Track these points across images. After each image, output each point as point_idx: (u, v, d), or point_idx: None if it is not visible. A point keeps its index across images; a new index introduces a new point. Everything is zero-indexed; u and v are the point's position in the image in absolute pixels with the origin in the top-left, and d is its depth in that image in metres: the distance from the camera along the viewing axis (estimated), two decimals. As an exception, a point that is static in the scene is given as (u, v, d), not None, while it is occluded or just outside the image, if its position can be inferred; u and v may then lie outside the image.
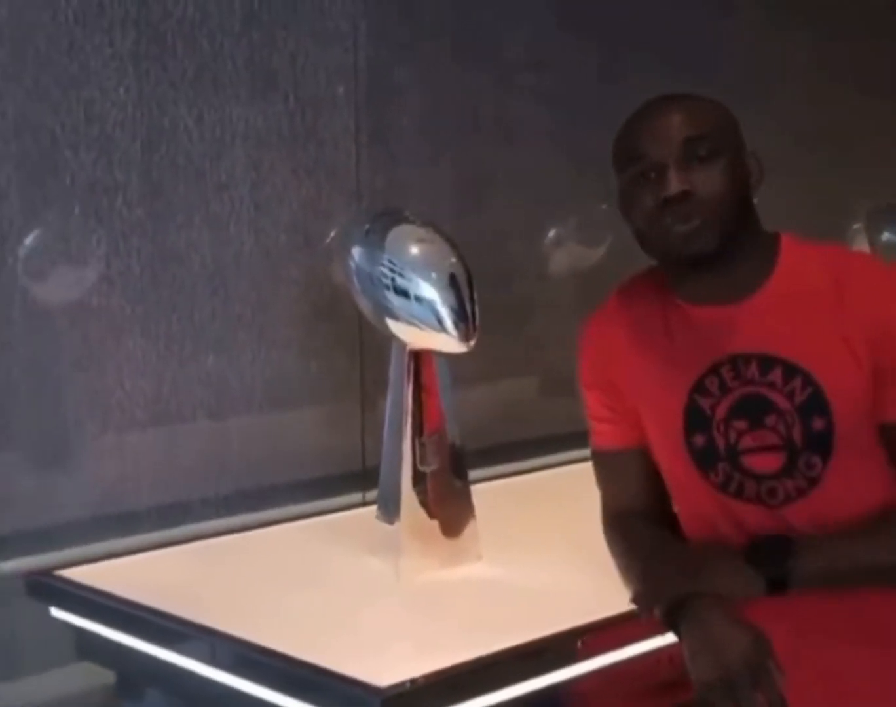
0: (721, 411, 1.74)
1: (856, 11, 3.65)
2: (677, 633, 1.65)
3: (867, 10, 3.67)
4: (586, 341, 1.89)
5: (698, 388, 1.75)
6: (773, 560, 1.64)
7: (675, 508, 1.88)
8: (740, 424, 1.73)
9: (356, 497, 2.70)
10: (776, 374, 1.71)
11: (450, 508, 2.21)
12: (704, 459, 1.75)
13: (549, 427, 3.14)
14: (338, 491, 2.71)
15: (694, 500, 1.79)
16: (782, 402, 1.71)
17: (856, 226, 3.59)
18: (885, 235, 3.37)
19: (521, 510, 2.57)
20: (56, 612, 2.20)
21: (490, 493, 2.54)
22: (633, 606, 1.76)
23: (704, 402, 1.75)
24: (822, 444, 1.70)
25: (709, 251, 1.69)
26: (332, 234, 2.73)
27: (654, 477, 1.86)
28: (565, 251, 3.35)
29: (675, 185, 1.65)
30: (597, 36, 3.14)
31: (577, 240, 3.38)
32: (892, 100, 3.71)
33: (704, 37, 3.37)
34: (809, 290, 1.72)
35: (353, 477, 2.74)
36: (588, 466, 2.96)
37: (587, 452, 3.08)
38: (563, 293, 3.26)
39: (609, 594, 1.91)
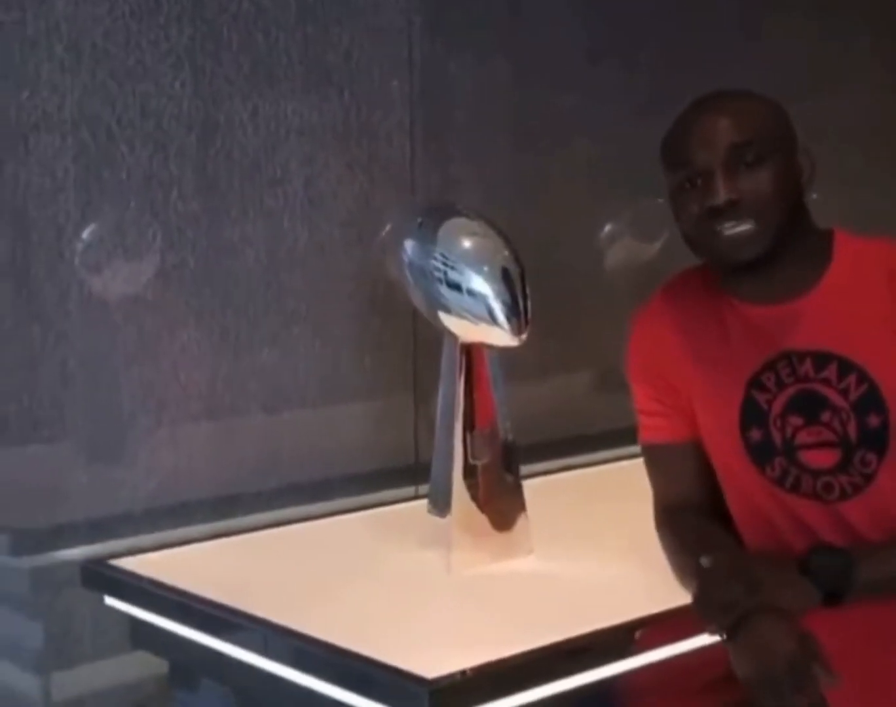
0: (777, 406, 1.72)
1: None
2: (728, 633, 1.63)
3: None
4: (636, 336, 1.88)
5: (755, 383, 1.74)
6: (829, 572, 1.62)
7: (729, 505, 1.86)
8: (796, 420, 1.72)
9: (409, 491, 2.70)
10: (831, 371, 1.69)
11: (501, 502, 2.20)
12: (761, 454, 1.74)
13: (603, 423, 3.13)
14: (391, 485, 2.72)
15: (749, 494, 1.78)
16: (837, 399, 1.69)
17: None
18: None
19: (574, 505, 2.56)
20: (110, 601, 2.23)
21: (542, 489, 2.53)
22: (689, 606, 1.75)
23: (761, 397, 1.74)
24: (877, 440, 1.68)
25: (759, 255, 1.69)
26: (386, 228, 2.74)
27: (705, 472, 1.85)
28: (620, 246, 3.34)
29: (721, 194, 1.65)
30: (650, 28, 3.12)
31: (633, 235, 3.36)
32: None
33: (759, 33, 3.34)
34: (864, 285, 1.70)
35: (405, 471, 2.74)
36: (640, 462, 2.98)
37: (631, 449, 3.11)
38: (618, 288, 3.25)
39: (661, 589, 1.90)
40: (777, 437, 1.73)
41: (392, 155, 2.72)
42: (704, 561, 1.63)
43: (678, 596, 1.83)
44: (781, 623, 1.58)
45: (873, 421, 1.68)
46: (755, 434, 1.74)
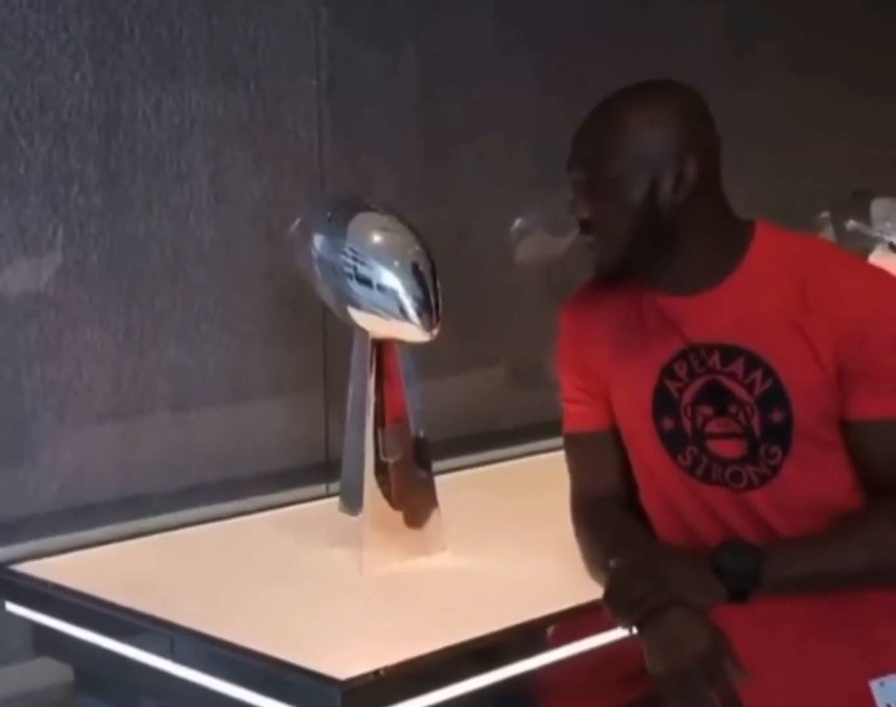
0: (688, 395, 1.74)
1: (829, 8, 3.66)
2: (638, 628, 1.64)
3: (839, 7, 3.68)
4: (564, 323, 1.89)
5: (667, 371, 1.75)
6: (737, 570, 1.62)
7: (642, 494, 1.87)
8: (706, 410, 1.73)
9: (320, 489, 2.67)
10: (738, 365, 1.71)
11: (413, 499, 2.18)
12: (673, 442, 1.75)
13: (513, 418, 3.13)
14: (302, 482, 2.68)
15: (662, 482, 1.79)
16: (742, 393, 1.71)
17: (823, 215, 3.59)
18: (851, 224, 3.37)
19: (487, 500, 2.55)
20: (12, 607, 2.16)
21: (455, 484, 2.52)
22: (599, 600, 1.75)
23: (672, 386, 1.75)
24: (780, 435, 1.70)
25: (610, 273, 1.76)
26: (295, 223, 2.70)
27: (624, 462, 1.86)
28: (531, 241, 3.34)
29: (571, 209, 1.76)
30: (565, 19, 3.11)
31: (543, 229, 3.37)
32: (862, 93, 3.71)
33: (677, 26, 3.36)
34: (777, 280, 1.71)
35: (316, 468, 2.71)
36: (553, 457, 2.98)
37: (553, 442, 3.11)
38: (528, 283, 3.25)
39: (573, 584, 1.90)
40: (688, 426, 1.74)
41: (300, 148, 2.69)
42: (613, 562, 1.64)
43: (590, 591, 1.83)
44: (692, 619, 1.58)
45: (776, 416, 1.69)
46: (667, 422, 1.75)
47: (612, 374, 1.80)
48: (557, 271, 3.29)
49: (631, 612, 1.60)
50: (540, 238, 3.34)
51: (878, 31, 3.82)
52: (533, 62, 3.10)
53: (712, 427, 1.73)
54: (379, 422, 2.13)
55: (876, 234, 3.37)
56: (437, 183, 2.96)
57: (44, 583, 2.12)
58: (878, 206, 3.40)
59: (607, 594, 1.63)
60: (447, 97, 2.95)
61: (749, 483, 1.72)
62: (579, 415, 1.89)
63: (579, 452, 1.90)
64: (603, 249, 1.73)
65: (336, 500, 2.30)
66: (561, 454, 2.80)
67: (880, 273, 1.74)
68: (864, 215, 3.39)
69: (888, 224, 3.34)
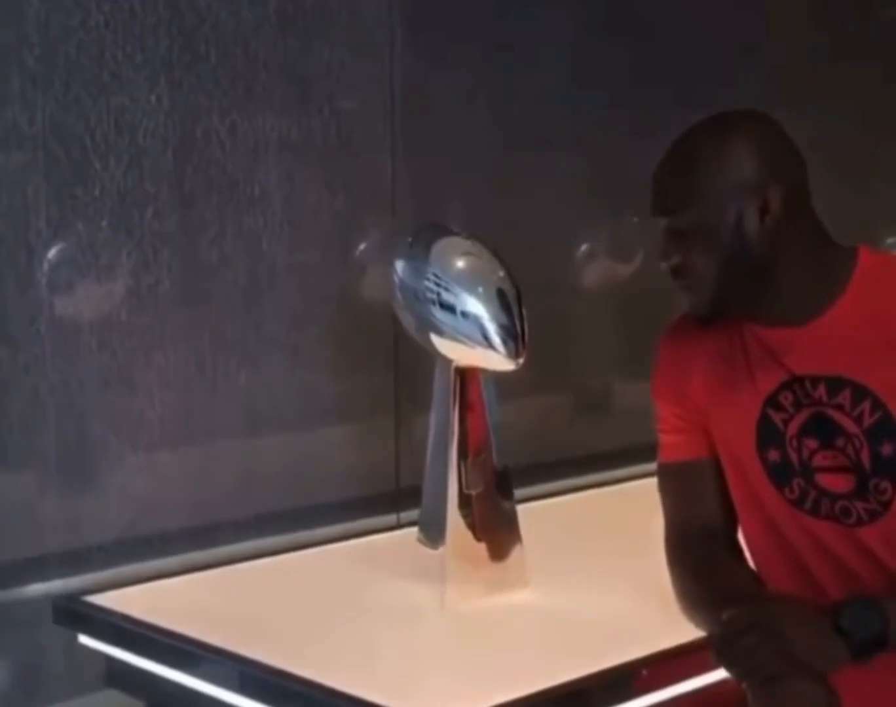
0: (794, 427, 1.67)
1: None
2: (750, 690, 1.56)
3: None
4: (663, 352, 1.83)
5: (771, 402, 1.69)
6: (863, 630, 1.54)
7: (743, 529, 1.80)
8: (812, 443, 1.67)
9: (390, 519, 2.62)
10: (844, 397, 1.64)
11: (496, 532, 2.12)
12: (780, 474, 1.69)
13: (582, 446, 3.07)
14: (372, 512, 2.63)
15: (768, 516, 1.72)
16: (850, 425, 1.64)
17: (890, 240, 3.53)
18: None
19: (565, 533, 2.49)
20: (84, 639, 2.12)
21: (532, 514, 2.45)
22: (692, 641, 1.68)
23: (777, 417, 1.69)
24: (891, 468, 1.63)
25: (704, 317, 1.70)
26: (362, 246, 2.66)
27: (722, 494, 1.79)
28: (598, 265, 3.29)
29: (662, 257, 1.70)
30: (631, 45, 3.07)
31: (610, 254, 3.32)
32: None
33: (734, 46, 3.30)
34: (884, 308, 1.65)
35: (387, 497, 2.66)
36: (624, 488, 2.94)
37: (623, 472, 3.06)
38: (596, 309, 3.19)
39: (662, 623, 1.84)
40: (794, 458, 1.68)
41: (373, 172, 2.65)
42: (727, 616, 1.55)
43: (682, 631, 1.76)
44: (811, 692, 1.50)
45: (887, 449, 1.62)
46: (773, 454, 1.69)
47: (713, 405, 1.74)
48: (624, 298, 3.25)
49: (747, 675, 1.52)
50: (607, 264, 3.29)
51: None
52: (604, 86, 3.05)
53: (819, 460, 1.67)
54: (462, 453, 2.07)
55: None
56: (507, 207, 2.91)
57: (115, 614, 2.08)
58: None
59: (720, 651, 1.55)
60: (520, 121, 2.90)
61: (858, 519, 1.65)
62: (677, 444, 1.82)
63: (676, 483, 1.83)
64: (698, 293, 1.68)
65: (409, 530, 2.25)
66: (634, 485, 2.79)
67: None
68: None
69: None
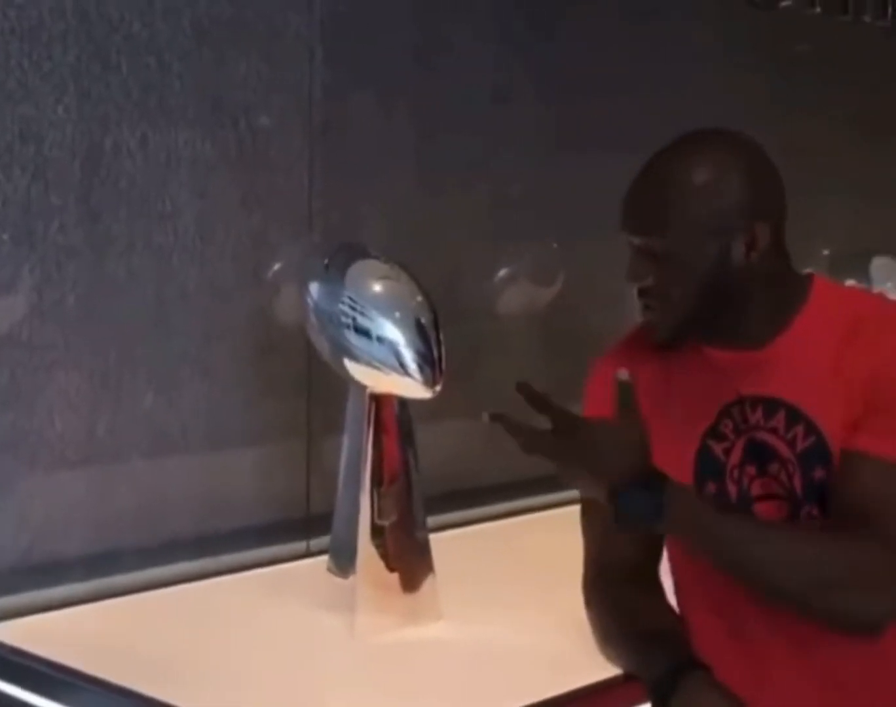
0: (735, 456, 1.63)
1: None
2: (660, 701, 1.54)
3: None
4: (597, 379, 1.75)
5: (712, 433, 1.65)
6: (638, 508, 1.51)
7: (670, 565, 1.75)
8: (750, 470, 1.63)
9: (300, 546, 2.55)
10: (779, 419, 1.61)
11: (409, 562, 2.08)
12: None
13: (499, 474, 3.01)
14: (281, 539, 2.56)
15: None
16: (784, 450, 1.61)
17: (825, 252, 3.53)
18: (849, 282, 3.31)
19: (478, 562, 2.44)
20: (-27, 673, 2.02)
21: (446, 544, 2.40)
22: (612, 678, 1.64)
23: (718, 447, 1.65)
24: (821, 494, 1.60)
25: (664, 342, 1.64)
26: (276, 266, 2.59)
27: (652, 534, 1.73)
28: (518, 290, 3.25)
29: (632, 277, 1.62)
30: (563, 68, 3.04)
31: (530, 279, 3.29)
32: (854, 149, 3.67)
33: (669, 68, 3.29)
34: (826, 334, 1.62)
35: (297, 524, 2.58)
36: (541, 517, 2.89)
37: (541, 500, 3.01)
38: (515, 333, 3.15)
39: (580, 660, 1.79)
40: (732, 490, 1.64)
41: (289, 188, 2.58)
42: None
43: (599, 668, 1.72)
44: (720, 696, 1.49)
45: (818, 474, 1.59)
46: (710, 487, 1.65)
47: (652, 434, 1.68)
48: (545, 322, 3.22)
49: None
50: (526, 288, 3.26)
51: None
52: (528, 111, 3.02)
53: (756, 488, 1.63)
54: (376, 481, 2.02)
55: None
56: (425, 230, 2.86)
57: (4, 647, 1.98)
58: (879, 266, 3.36)
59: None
60: (441, 140, 2.85)
61: None
62: None
63: (599, 518, 1.77)
64: (663, 317, 1.62)
65: (319, 559, 2.19)
66: (552, 514, 2.75)
67: None
68: (864, 274, 3.33)
69: (889, 284, 3.28)
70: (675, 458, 1.64)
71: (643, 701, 1.60)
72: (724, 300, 1.62)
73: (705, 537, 1.54)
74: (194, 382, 2.48)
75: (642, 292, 1.63)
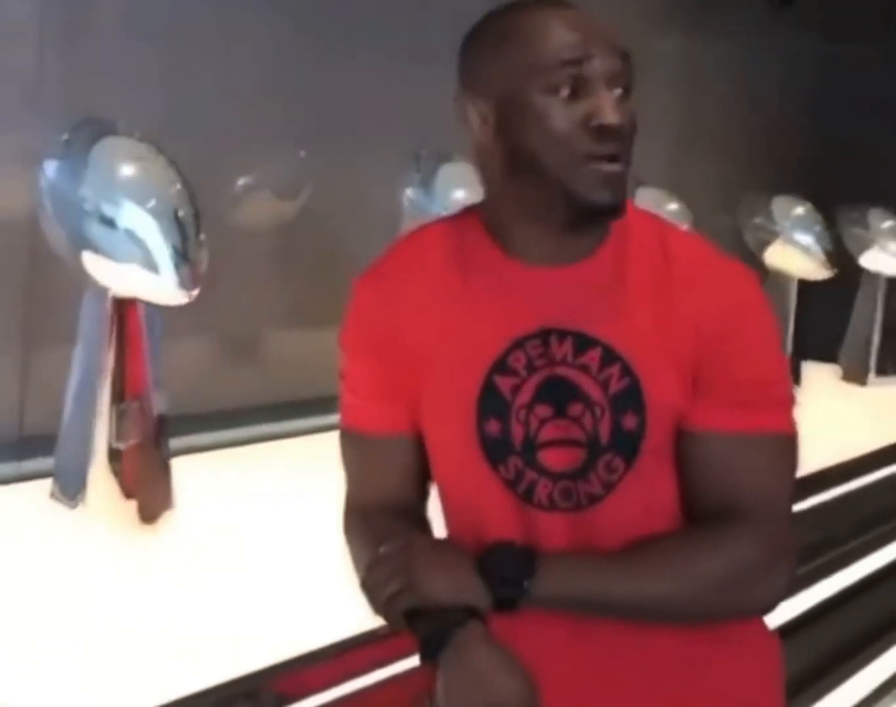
0: (524, 396, 1.44)
1: None
2: (434, 661, 1.36)
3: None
4: (360, 300, 1.51)
5: (499, 366, 1.45)
6: (506, 575, 1.38)
7: (444, 508, 1.58)
8: (543, 411, 1.44)
9: (11, 468, 2.24)
10: (592, 357, 1.43)
11: (148, 491, 1.82)
12: (496, 450, 1.46)
13: (237, 398, 2.79)
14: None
15: (473, 496, 1.49)
16: (594, 391, 1.43)
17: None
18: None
19: (221, 491, 2.19)
20: None
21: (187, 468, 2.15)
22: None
23: (504, 384, 1.45)
24: (629, 445, 1.44)
25: (620, 202, 1.40)
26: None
27: (419, 470, 1.54)
28: (257, 201, 3.03)
29: (618, 113, 1.35)
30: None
31: (271, 189, 3.06)
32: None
33: None
34: (641, 264, 1.46)
35: (8, 444, 2.27)
36: (286, 443, 2.68)
37: (289, 426, 2.79)
38: (255, 247, 2.93)
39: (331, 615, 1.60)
40: (518, 433, 1.45)
41: (17, 60, 2.24)
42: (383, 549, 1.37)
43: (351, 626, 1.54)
44: (496, 655, 1.34)
45: (629, 422, 1.43)
46: (492, 426, 1.46)
47: (426, 368, 1.48)
48: (286, 236, 3.01)
49: (384, 612, 1.36)
50: (266, 199, 3.04)
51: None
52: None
53: (547, 433, 1.45)
54: (116, 398, 1.74)
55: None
56: (175, 110, 2.56)
57: None
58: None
59: (362, 586, 1.37)
60: (192, 19, 2.56)
61: (577, 503, 1.46)
62: (369, 411, 1.53)
63: (362, 454, 1.56)
64: (625, 171, 1.36)
65: (37, 483, 1.90)
66: (294, 442, 2.54)
67: (747, 269, 1.53)
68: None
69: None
70: (457, 393, 1.45)
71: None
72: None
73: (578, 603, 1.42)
74: None
75: (614, 136, 1.37)
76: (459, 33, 1.36)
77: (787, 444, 1.47)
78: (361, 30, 2.95)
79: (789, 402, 1.48)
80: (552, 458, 1.44)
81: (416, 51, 2.98)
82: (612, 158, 1.35)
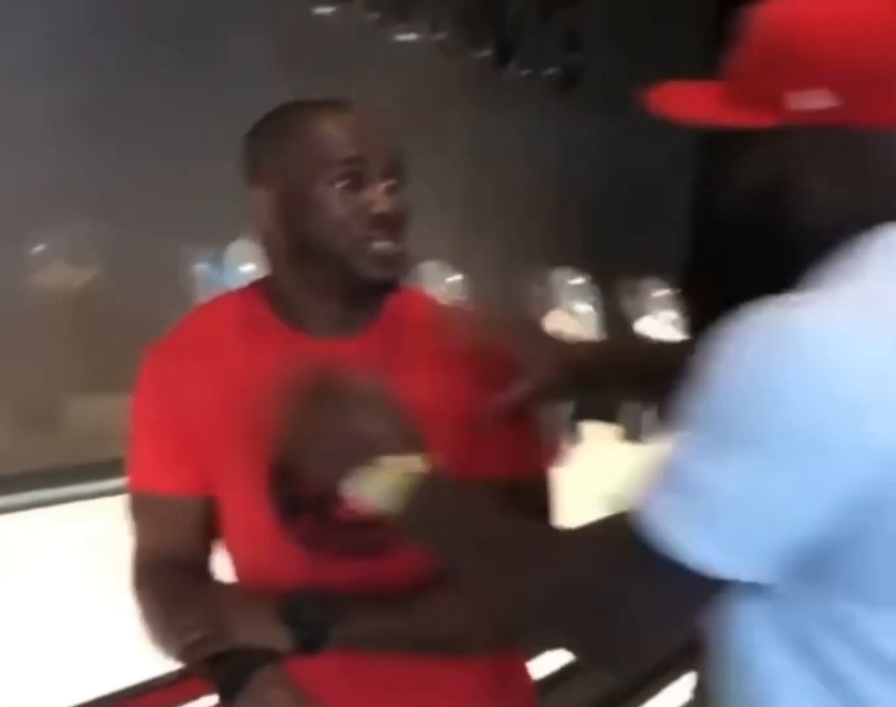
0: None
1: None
2: (231, 703, 1.44)
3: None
4: (150, 369, 1.59)
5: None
6: (305, 619, 1.47)
7: (234, 561, 1.65)
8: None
9: None
10: None
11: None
12: (288, 508, 1.55)
13: (19, 464, 2.79)
14: None
15: (265, 554, 1.58)
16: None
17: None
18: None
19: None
20: None
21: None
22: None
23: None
24: None
25: (395, 278, 1.53)
26: None
27: (207, 529, 1.62)
28: (51, 270, 3.05)
29: (391, 203, 1.50)
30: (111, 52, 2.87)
31: (65, 258, 3.09)
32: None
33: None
34: (415, 334, 1.59)
35: None
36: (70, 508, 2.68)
37: (69, 491, 2.79)
38: (46, 317, 2.94)
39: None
40: (309, 492, 1.55)
41: None
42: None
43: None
44: (291, 696, 1.42)
45: (413, 475, 1.55)
46: (285, 490, 1.55)
47: (220, 433, 1.56)
48: (77, 307, 3.02)
49: (185, 658, 1.44)
50: (60, 268, 3.06)
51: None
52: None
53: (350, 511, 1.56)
54: None
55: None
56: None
57: None
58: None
59: (156, 636, 1.48)
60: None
61: (367, 551, 1.56)
62: (160, 471, 1.60)
63: (150, 514, 1.61)
64: (405, 252, 1.54)
65: None
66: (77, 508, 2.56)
67: None
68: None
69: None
70: (249, 463, 1.54)
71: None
72: None
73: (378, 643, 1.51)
74: None
75: (388, 222, 1.50)
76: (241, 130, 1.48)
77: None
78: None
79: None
80: (342, 511, 1.54)
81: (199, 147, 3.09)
82: (388, 240, 1.49)
